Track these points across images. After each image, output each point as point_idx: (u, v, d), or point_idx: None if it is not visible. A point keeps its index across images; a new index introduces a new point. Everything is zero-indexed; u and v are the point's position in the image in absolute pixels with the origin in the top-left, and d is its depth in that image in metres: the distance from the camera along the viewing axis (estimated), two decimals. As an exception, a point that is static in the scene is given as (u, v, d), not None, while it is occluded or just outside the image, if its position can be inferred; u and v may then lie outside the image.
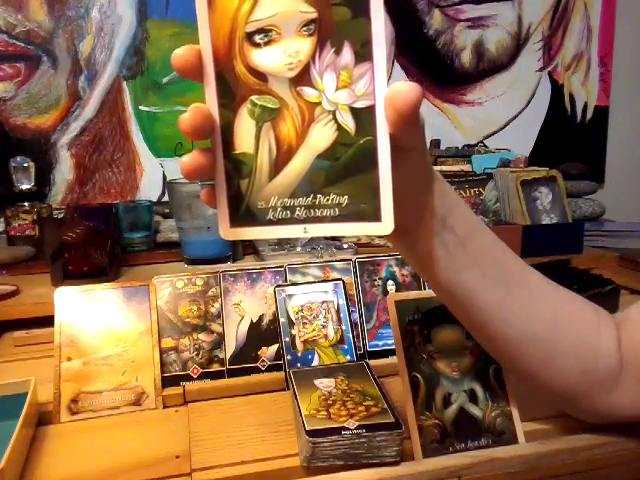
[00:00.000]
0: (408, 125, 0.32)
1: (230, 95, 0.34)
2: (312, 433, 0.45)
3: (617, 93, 1.60)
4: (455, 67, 1.48)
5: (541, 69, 1.55)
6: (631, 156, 1.63)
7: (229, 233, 0.36)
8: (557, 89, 1.57)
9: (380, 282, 0.69)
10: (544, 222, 1.01)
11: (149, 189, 1.32)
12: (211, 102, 0.35)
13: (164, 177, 1.32)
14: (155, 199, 1.30)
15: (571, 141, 1.59)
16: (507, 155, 1.20)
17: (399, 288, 0.69)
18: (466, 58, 1.48)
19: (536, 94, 1.55)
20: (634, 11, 1.58)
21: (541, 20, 1.52)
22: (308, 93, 0.34)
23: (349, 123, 0.33)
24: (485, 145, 1.49)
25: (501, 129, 1.54)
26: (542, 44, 1.54)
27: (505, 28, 1.50)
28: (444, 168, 1.20)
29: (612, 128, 1.62)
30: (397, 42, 1.42)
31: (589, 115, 1.60)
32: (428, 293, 0.52)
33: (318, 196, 0.34)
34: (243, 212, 0.35)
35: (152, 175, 1.32)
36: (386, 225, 0.33)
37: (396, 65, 1.43)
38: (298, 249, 0.93)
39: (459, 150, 1.32)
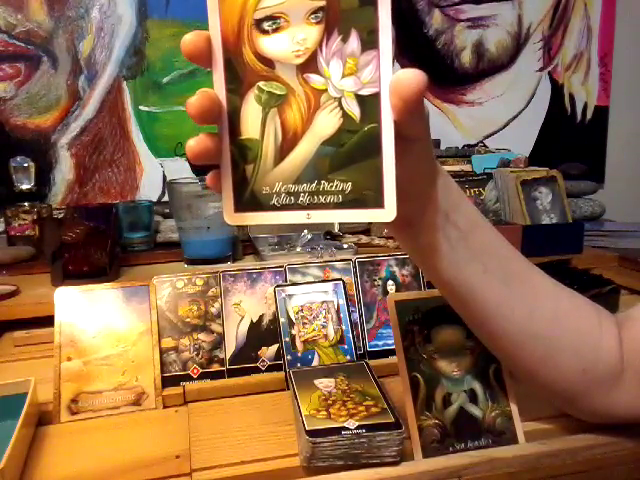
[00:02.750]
0: (412, 112, 0.33)
1: (238, 81, 0.35)
2: (312, 433, 0.45)
3: (617, 93, 1.60)
4: (455, 67, 1.48)
5: (541, 69, 1.55)
6: (631, 156, 1.63)
7: (233, 218, 0.36)
8: (557, 89, 1.57)
9: (380, 282, 0.69)
10: (544, 222, 1.01)
11: (149, 189, 1.32)
12: (219, 87, 0.35)
13: (164, 177, 1.32)
14: (155, 199, 1.30)
15: (571, 141, 1.59)
16: (507, 155, 1.20)
17: (399, 288, 0.69)
18: (466, 58, 1.48)
19: (536, 94, 1.55)
20: (634, 11, 1.58)
21: (541, 20, 1.52)
22: (314, 80, 0.34)
23: (354, 110, 0.34)
24: (485, 145, 1.49)
25: (501, 129, 1.54)
26: (542, 44, 1.54)
27: (505, 28, 1.50)
28: (444, 168, 1.20)
29: (612, 128, 1.62)
30: (397, 42, 1.42)
31: (589, 115, 1.60)
32: (428, 293, 0.52)
33: (322, 182, 0.35)
34: (247, 197, 0.36)
35: (152, 175, 1.32)
36: (389, 212, 0.34)
37: (396, 65, 1.43)
38: (298, 249, 0.93)
39: (459, 150, 1.32)
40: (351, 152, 0.34)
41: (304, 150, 0.35)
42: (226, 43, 0.34)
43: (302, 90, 0.34)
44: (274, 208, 0.35)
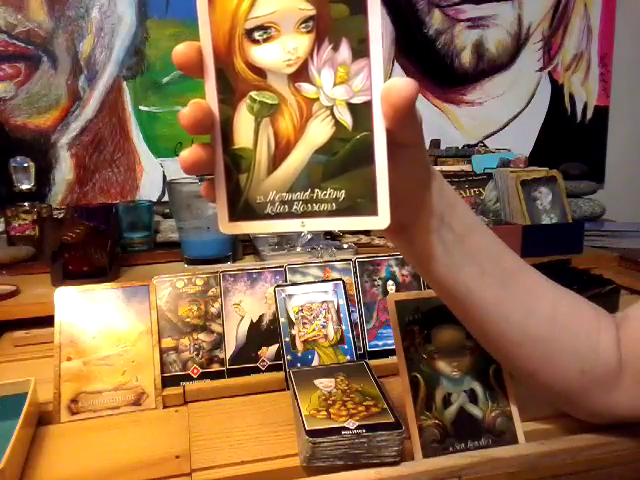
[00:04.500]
0: (404, 120, 0.33)
1: (230, 91, 0.35)
2: (312, 433, 0.45)
3: (617, 93, 1.60)
4: (455, 67, 1.48)
5: (541, 69, 1.55)
6: (631, 156, 1.63)
7: (228, 227, 0.36)
8: (557, 89, 1.57)
9: (380, 282, 0.69)
10: (544, 222, 1.01)
11: (149, 189, 1.32)
12: (211, 98, 0.35)
13: (164, 177, 1.32)
14: (155, 199, 1.30)
15: (571, 141, 1.59)
16: (507, 155, 1.20)
17: (399, 288, 0.69)
18: (466, 58, 1.48)
19: (536, 94, 1.55)
20: (634, 11, 1.58)
21: (541, 20, 1.52)
22: (306, 89, 0.34)
23: (346, 118, 0.34)
24: (485, 145, 1.49)
25: (501, 129, 1.54)
26: (542, 44, 1.54)
27: (505, 28, 1.50)
28: (444, 168, 1.20)
29: (612, 128, 1.62)
30: (397, 42, 1.42)
31: (589, 115, 1.60)
32: (428, 293, 0.52)
33: (316, 191, 0.35)
34: (242, 206, 0.36)
35: (152, 175, 1.32)
36: (382, 219, 0.34)
37: (396, 65, 1.43)
38: (298, 249, 0.93)
39: (459, 150, 1.32)
40: (344, 160, 0.34)
41: (297, 159, 0.35)
42: (217, 53, 0.34)
43: (294, 99, 0.34)
44: (268, 217, 0.35)
